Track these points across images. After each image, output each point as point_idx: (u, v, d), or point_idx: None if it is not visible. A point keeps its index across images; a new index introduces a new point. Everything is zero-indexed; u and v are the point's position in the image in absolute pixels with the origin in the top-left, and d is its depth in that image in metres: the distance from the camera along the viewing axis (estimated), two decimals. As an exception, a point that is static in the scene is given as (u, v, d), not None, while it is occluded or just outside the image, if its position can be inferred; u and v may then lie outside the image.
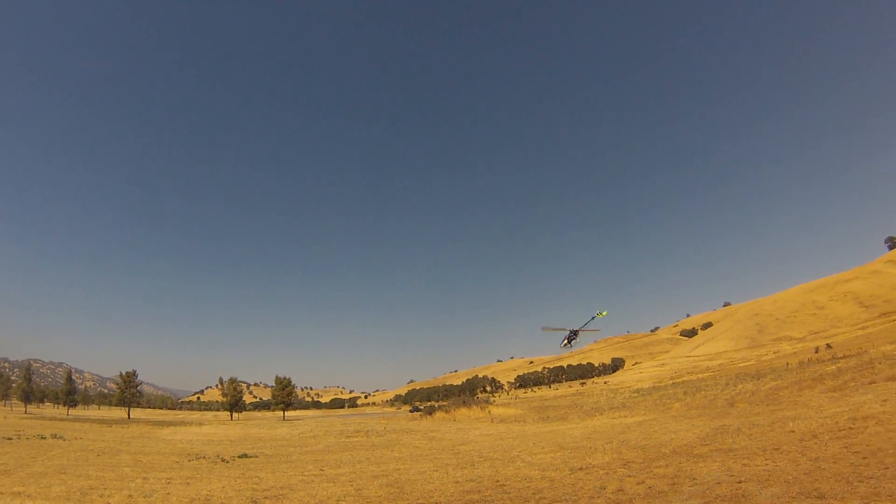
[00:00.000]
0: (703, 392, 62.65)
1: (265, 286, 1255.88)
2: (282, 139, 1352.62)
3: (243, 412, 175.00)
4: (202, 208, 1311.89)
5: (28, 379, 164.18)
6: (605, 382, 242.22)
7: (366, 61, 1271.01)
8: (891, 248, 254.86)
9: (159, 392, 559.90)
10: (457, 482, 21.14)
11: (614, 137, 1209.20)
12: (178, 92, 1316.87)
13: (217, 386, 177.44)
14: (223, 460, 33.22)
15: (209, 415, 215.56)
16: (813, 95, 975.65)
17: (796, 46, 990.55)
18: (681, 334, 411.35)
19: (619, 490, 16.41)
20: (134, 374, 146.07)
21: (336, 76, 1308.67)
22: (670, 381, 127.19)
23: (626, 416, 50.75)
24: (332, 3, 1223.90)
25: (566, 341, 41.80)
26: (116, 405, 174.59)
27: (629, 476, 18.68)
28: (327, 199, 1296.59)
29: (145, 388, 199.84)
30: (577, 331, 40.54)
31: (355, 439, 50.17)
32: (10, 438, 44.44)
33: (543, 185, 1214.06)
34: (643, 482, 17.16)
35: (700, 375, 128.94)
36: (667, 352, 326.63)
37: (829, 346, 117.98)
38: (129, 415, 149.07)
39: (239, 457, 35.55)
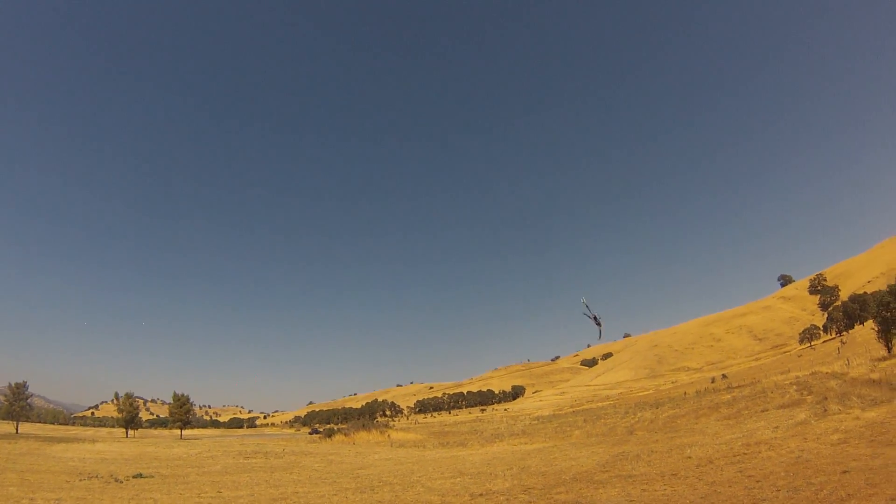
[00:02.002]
0: (603, 420, 64.08)
1: (165, 298, 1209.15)
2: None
3: (139, 429, 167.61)
4: (100, 207, 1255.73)
5: None
6: (506, 409, 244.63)
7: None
8: (783, 285, 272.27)
9: (51, 406, 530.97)
10: (354, 507, 20.84)
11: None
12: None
13: (112, 401, 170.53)
14: (117, 480, 31.91)
15: (104, 431, 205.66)
16: (709, 151, 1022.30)
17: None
18: (581, 364, 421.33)
19: (520, 515, 16.47)
20: (24, 385, 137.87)
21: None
22: (570, 409, 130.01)
23: (526, 443, 51.30)
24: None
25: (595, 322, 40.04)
26: (3, 419, 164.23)
27: (530, 502, 18.84)
28: (227, 206, 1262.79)
29: (36, 402, 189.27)
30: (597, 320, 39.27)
31: (254, 461, 49.26)
32: None
33: (419, 216, 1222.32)
34: (544, 507, 17.30)
35: (600, 404, 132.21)
36: (567, 380, 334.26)
37: (724, 376, 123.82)
38: (17, 429, 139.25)
39: (133, 477, 34.33)
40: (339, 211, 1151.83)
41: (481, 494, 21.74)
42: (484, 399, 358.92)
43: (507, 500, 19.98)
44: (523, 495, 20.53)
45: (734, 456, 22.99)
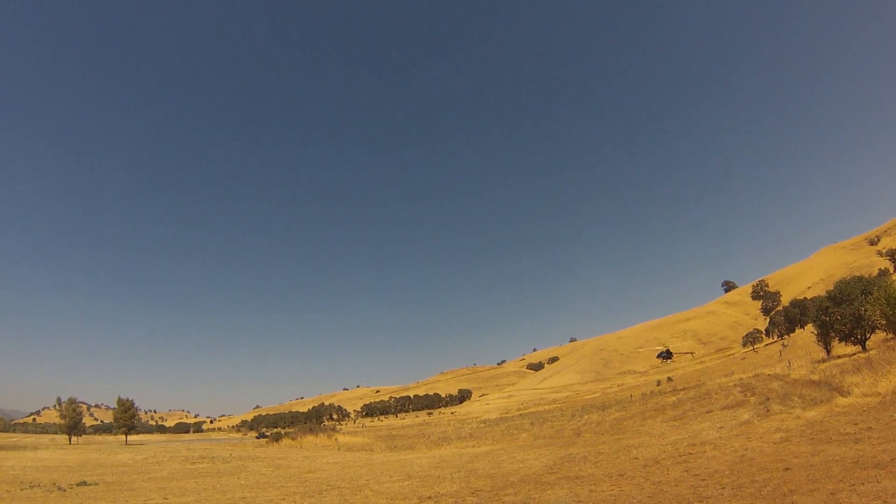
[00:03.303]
0: (550, 423, 64.66)
1: (108, 300, 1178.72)
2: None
3: (83, 435, 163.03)
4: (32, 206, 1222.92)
5: None
6: (453, 413, 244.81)
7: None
8: (726, 290, 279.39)
9: None
10: (302, 511, 20.63)
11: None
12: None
13: (54, 407, 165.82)
14: (60, 489, 31.11)
15: (45, 438, 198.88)
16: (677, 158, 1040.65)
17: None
18: (528, 367, 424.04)
19: (468, 517, 16.49)
20: None
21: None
22: (517, 413, 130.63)
23: (474, 446, 51.51)
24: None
25: None
26: None
27: None
28: (180, 206, 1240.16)
29: None
30: None
31: (201, 466, 48.72)
32: None
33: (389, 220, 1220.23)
34: (491, 509, 17.36)
35: (547, 407, 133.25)
36: (514, 384, 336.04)
37: (670, 378, 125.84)
38: None
39: (77, 485, 33.43)
40: (286, 213, 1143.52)
41: (430, 497, 21.76)
42: (431, 403, 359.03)
43: (456, 502, 20.05)
44: (471, 497, 20.61)
45: (680, 456, 23.42)
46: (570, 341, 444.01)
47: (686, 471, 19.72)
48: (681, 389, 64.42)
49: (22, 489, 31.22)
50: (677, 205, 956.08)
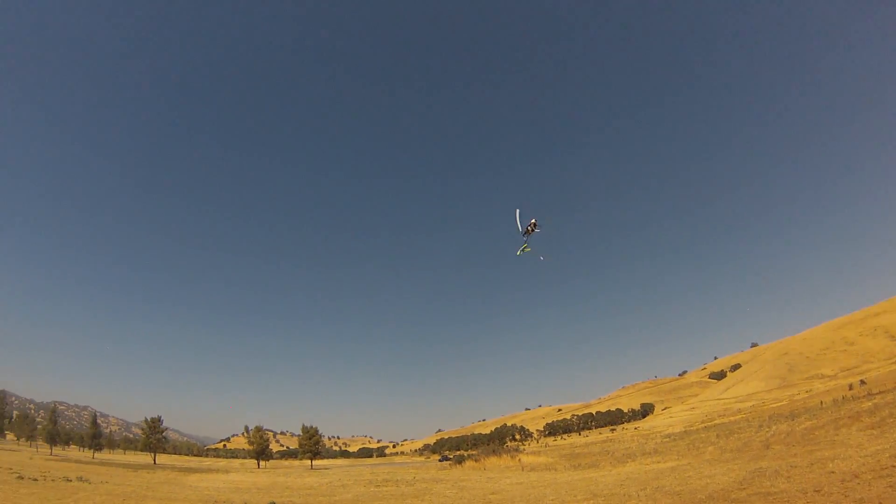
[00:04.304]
0: (736, 435, 60.96)
1: (293, 335, 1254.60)
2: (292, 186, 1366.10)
3: (270, 460, 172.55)
4: (225, 258, 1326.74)
5: (54, 421, 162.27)
6: (636, 428, 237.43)
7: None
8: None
9: (185, 439, 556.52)
10: (488, 534, 20.47)
11: (622, 181, 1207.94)
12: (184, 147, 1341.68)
13: (243, 434, 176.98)
14: None
15: (236, 462, 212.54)
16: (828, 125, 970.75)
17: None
18: (709, 377, 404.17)
19: (656, 538, 15.69)
20: (159, 419, 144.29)
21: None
22: (702, 425, 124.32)
23: (658, 462, 49.38)
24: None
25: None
26: (142, 450, 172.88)
27: (666, 523, 17.93)
28: (351, 248, 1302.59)
29: (170, 435, 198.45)
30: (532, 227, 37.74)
31: (385, 489, 49.32)
32: (35, 479, 44.18)
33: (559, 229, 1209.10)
34: (681, 529, 16.43)
35: (732, 418, 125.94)
36: (696, 395, 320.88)
37: (863, 382, 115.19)
38: (154, 460, 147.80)
39: None
40: (458, 241, 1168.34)
41: (615, 517, 20.98)
42: (613, 418, 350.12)
43: (643, 522, 19.18)
44: (659, 517, 19.67)
45: (882, 469, 21.17)
46: (752, 346, 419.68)
47: (891, 486, 17.78)
48: (877, 394, 58.82)
49: None
50: (853, 194, 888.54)
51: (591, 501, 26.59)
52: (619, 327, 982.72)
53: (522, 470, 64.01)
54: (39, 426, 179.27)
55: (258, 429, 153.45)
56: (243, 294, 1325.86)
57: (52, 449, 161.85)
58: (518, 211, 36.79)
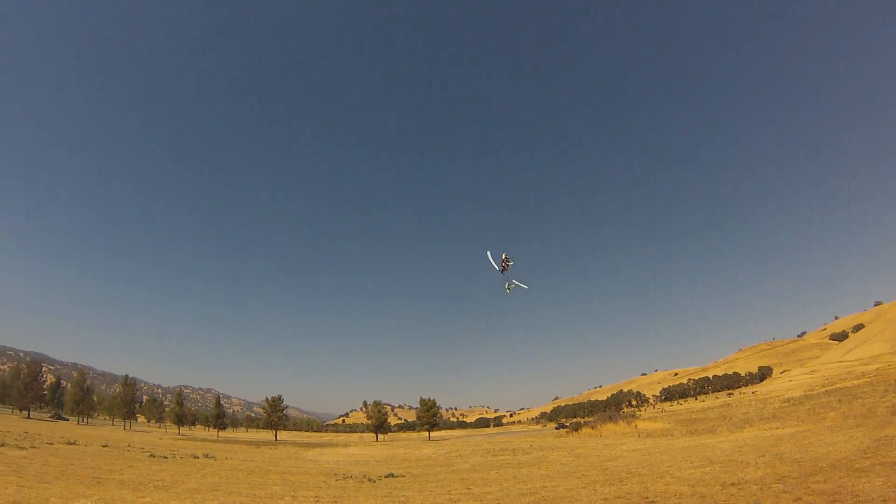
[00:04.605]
0: (860, 400, 58.22)
1: (409, 312, 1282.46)
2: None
3: (388, 433, 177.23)
4: (345, 244, 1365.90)
5: (180, 403, 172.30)
6: (753, 392, 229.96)
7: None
8: None
9: (305, 416, 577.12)
10: (605, 499, 20.72)
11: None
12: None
13: (361, 409, 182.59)
14: (370, 480, 33.70)
15: (354, 436, 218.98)
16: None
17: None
18: (830, 338, 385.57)
19: (774, 507, 15.58)
20: (279, 398, 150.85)
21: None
22: (822, 389, 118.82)
23: (777, 428, 47.92)
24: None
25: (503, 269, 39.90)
26: (263, 428, 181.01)
27: (785, 492, 17.69)
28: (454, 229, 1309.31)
29: (290, 412, 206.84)
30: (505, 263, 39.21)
31: (501, 457, 49.64)
32: (165, 457, 46.84)
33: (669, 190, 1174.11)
34: (800, 499, 16.23)
35: (855, 382, 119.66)
36: (816, 357, 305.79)
37: None
38: (276, 437, 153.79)
39: (385, 476, 35.95)
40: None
41: (733, 484, 20.76)
42: (730, 382, 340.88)
43: (761, 489, 18.91)
44: (777, 485, 19.33)
45: None
46: (875, 305, 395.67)
47: None
48: None
49: (336, 480, 34.36)
50: None
51: (708, 468, 26.36)
52: (737, 287, 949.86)
53: (639, 436, 63.47)
54: (167, 409, 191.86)
55: (377, 403, 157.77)
56: (355, 276, 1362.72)
57: (179, 429, 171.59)
58: (489, 253, 39.87)
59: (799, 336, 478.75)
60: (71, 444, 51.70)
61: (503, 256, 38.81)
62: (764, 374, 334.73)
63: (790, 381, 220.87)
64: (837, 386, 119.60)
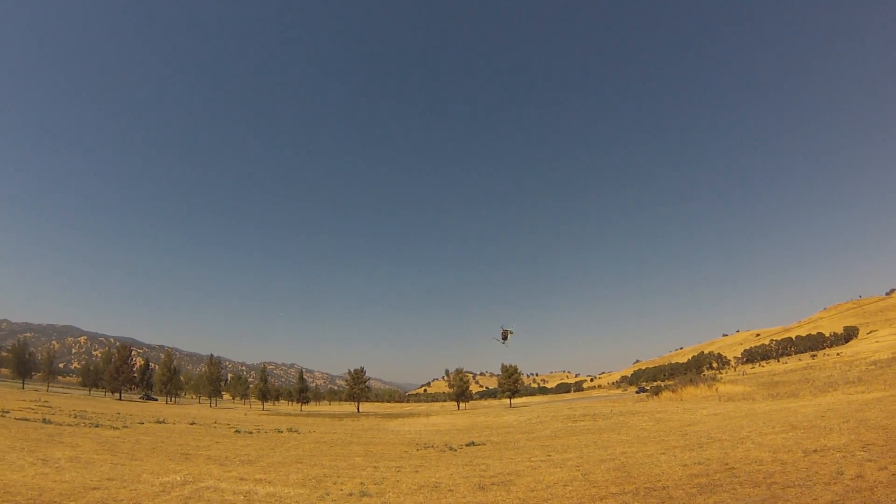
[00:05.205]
0: (954, 362, 55.67)
1: (487, 278, 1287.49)
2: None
3: (470, 401, 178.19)
4: (418, 212, 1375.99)
5: (264, 380, 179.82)
6: (838, 354, 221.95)
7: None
8: None
9: (386, 387, 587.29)
10: (684, 465, 20.65)
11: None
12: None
13: (443, 378, 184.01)
14: (451, 449, 34.15)
15: (436, 406, 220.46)
16: None
17: None
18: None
19: (858, 476, 15.24)
20: (362, 370, 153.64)
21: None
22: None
23: (863, 392, 46.20)
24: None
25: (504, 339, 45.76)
26: (346, 400, 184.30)
27: (870, 461, 17.24)
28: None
29: (372, 384, 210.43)
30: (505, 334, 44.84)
31: (581, 423, 49.65)
32: (250, 432, 48.60)
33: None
34: (886, 468, 15.80)
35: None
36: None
37: None
38: (358, 409, 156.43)
39: (466, 445, 36.29)
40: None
41: (815, 451, 20.30)
42: (814, 343, 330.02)
43: (844, 457, 18.45)
44: (862, 452, 18.83)
45: None
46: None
47: None
48: None
49: (418, 449, 34.88)
50: None
51: (790, 434, 25.79)
52: (822, 241, 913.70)
53: (719, 400, 62.28)
54: (252, 385, 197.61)
55: (458, 371, 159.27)
56: (432, 246, 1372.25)
57: (263, 405, 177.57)
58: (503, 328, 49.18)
59: (888, 294, 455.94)
60: (160, 422, 54.67)
61: (504, 330, 48.25)
62: (850, 334, 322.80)
63: (877, 342, 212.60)
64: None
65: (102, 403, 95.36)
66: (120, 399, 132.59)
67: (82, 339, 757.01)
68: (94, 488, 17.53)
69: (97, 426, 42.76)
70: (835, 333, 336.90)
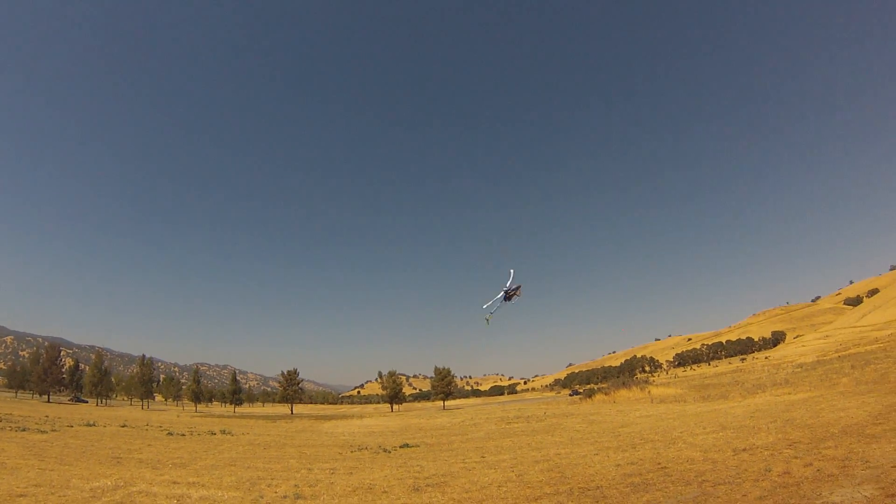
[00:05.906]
0: (873, 366, 57.45)
1: (421, 282, 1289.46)
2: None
3: (403, 403, 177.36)
4: (355, 216, 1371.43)
5: (197, 381, 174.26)
6: (766, 357, 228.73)
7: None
8: None
9: (320, 388, 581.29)
10: (618, 465, 20.65)
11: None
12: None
13: (376, 380, 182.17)
14: (385, 450, 33.76)
15: (370, 407, 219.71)
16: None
17: None
18: (844, 303, 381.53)
19: (785, 472, 15.36)
20: (295, 372, 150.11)
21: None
22: (836, 355, 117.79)
23: (789, 393, 47.42)
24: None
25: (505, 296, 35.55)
26: (279, 402, 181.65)
27: (796, 458, 17.44)
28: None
29: (306, 386, 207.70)
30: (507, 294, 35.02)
31: (515, 425, 49.79)
32: (183, 435, 47.26)
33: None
34: (811, 464, 15.98)
35: (868, 347, 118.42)
36: (830, 322, 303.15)
37: None
38: (291, 410, 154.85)
39: (400, 447, 36.00)
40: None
41: (744, 449, 20.56)
42: (743, 348, 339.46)
43: (772, 455, 18.69)
44: (789, 450, 19.08)
45: None
46: (891, 269, 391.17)
47: None
48: None
49: (352, 451, 34.32)
50: None
51: (720, 434, 26.17)
52: (752, 251, 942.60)
53: (652, 402, 63.30)
54: (184, 387, 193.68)
55: (391, 373, 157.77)
56: (366, 246, 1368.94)
57: (196, 406, 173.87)
58: (512, 272, 35.57)
59: (813, 301, 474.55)
60: (90, 425, 52.43)
61: (517, 287, 35.20)
62: (777, 339, 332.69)
63: (803, 346, 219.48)
64: (851, 351, 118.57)
65: (30, 406, 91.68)
66: (48, 401, 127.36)
67: (8, 338, 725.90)
68: (21, 495, 16.50)
69: (24, 430, 40.91)
70: (763, 338, 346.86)
